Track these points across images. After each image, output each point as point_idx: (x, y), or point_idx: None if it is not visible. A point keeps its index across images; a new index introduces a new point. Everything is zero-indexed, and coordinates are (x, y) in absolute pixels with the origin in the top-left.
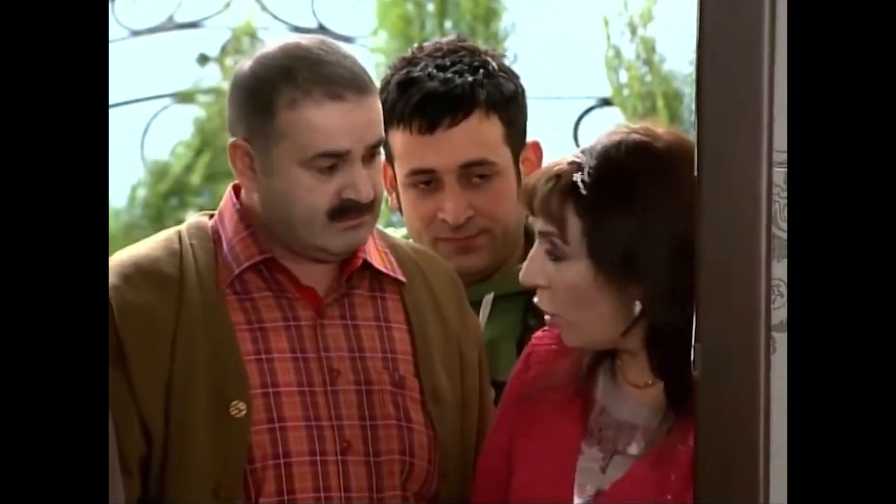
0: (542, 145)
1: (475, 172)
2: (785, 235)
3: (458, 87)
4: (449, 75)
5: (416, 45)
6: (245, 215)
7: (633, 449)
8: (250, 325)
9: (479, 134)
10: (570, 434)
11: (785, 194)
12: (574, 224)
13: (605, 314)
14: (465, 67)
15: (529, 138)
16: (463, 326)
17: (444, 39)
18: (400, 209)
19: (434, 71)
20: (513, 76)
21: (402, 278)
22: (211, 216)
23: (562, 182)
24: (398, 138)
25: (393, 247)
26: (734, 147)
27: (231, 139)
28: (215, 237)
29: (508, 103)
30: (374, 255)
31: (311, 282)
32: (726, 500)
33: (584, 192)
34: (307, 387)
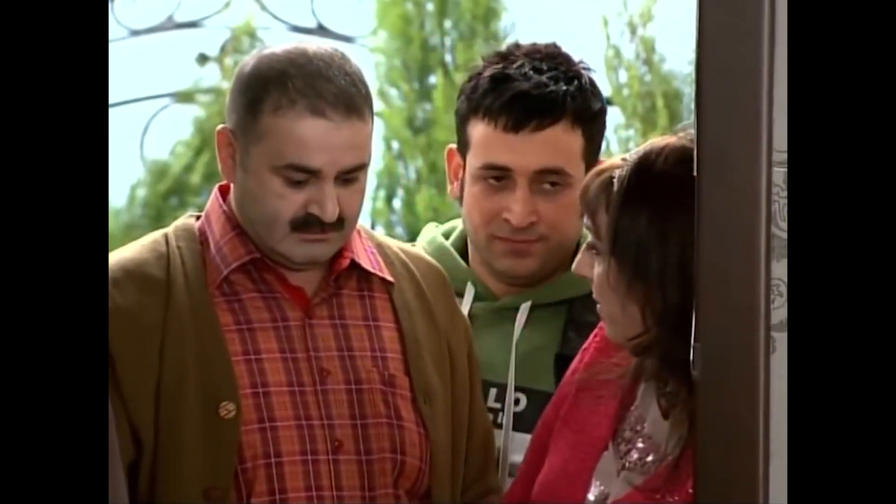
0: None
1: (548, 179)
2: (785, 235)
3: (551, 93)
4: (544, 79)
5: (512, 42)
6: (232, 216)
7: (647, 464)
8: (239, 326)
9: (561, 143)
10: (602, 432)
11: (785, 194)
12: (602, 219)
13: (618, 312)
14: (561, 75)
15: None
16: (452, 325)
17: (542, 43)
18: (460, 199)
19: (530, 72)
20: (599, 94)
21: (389, 278)
22: (197, 218)
23: (602, 177)
24: (480, 130)
25: (380, 246)
26: (734, 147)
27: (221, 125)
28: (202, 239)
29: (593, 119)
30: (362, 256)
31: (299, 282)
32: (726, 500)
33: (615, 189)
34: (297, 387)
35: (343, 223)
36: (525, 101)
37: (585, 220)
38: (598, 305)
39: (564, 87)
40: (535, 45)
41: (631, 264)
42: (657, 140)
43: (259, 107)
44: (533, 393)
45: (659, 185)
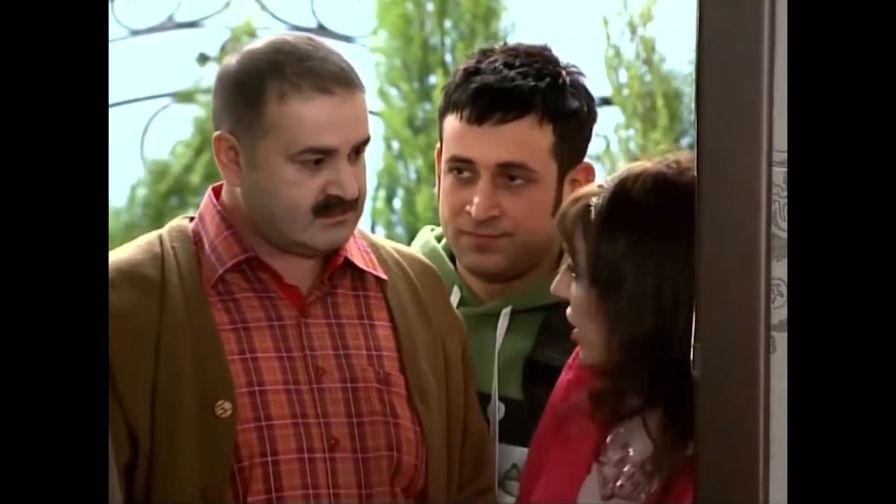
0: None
1: (512, 174)
2: (785, 235)
3: (516, 88)
4: (512, 74)
5: (496, 42)
6: (226, 216)
7: (637, 491)
8: (234, 326)
9: (526, 138)
10: (585, 452)
11: (785, 194)
12: (580, 246)
13: (600, 338)
14: (533, 72)
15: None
16: (446, 324)
17: (527, 43)
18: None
19: (500, 66)
20: (583, 95)
21: (383, 276)
22: (191, 219)
23: (579, 204)
24: (450, 123)
25: (374, 246)
26: (734, 147)
27: (216, 132)
28: (196, 240)
29: (567, 118)
30: (356, 254)
31: (294, 280)
32: (726, 500)
33: (592, 216)
34: (293, 385)
35: (357, 202)
36: (489, 93)
37: (562, 241)
38: (575, 330)
39: (533, 83)
40: (518, 44)
41: (611, 291)
42: (634, 166)
43: (260, 100)
44: (510, 401)
45: (635, 212)
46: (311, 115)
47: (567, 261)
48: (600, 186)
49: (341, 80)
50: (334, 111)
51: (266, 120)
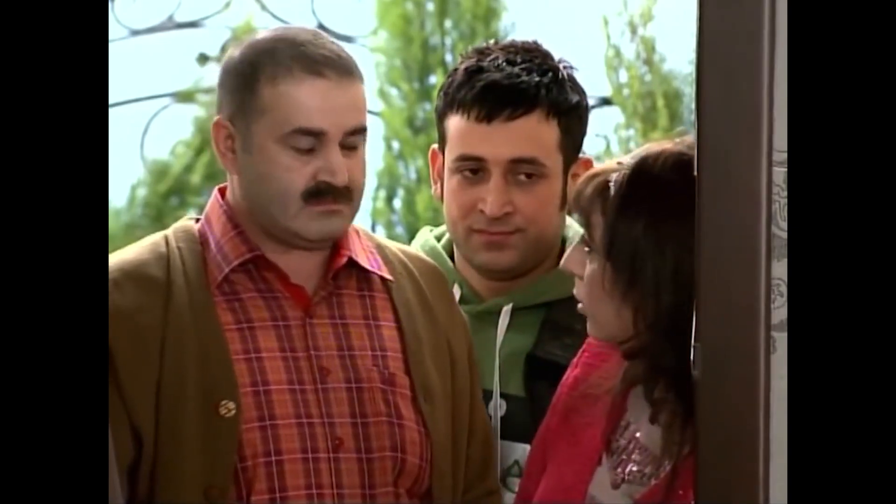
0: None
1: (523, 170)
2: (785, 235)
3: (523, 83)
4: (516, 70)
5: (492, 39)
6: (232, 216)
7: (645, 476)
8: (239, 325)
9: (535, 133)
10: (595, 444)
11: (785, 194)
12: (598, 222)
13: (612, 314)
14: (535, 67)
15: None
16: (451, 324)
17: (520, 40)
18: (442, 197)
19: (503, 63)
20: (579, 89)
21: (388, 276)
22: (197, 220)
23: (597, 180)
24: (454, 123)
25: (379, 246)
26: (734, 147)
27: (215, 118)
28: (202, 240)
29: (569, 112)
30: (360, 254)
31: (299, 280)
32: (726, 500)
33: (611, 193)
34: (297, 385)
35: (351, 193)
36: (497, 90)
37: (578, 218)
38: (581, 305)
39: (538, 79)
40: (512, 41)
41: (627, 269)
42: (653, 145)
43: (255, 82)
44: (511, 398)
45: (656, 190)
46: (301, 97)
47: (579, 236)
48: (619, 164)
49: (335, 66)
50: (326, 94)
51: (259, 103)
